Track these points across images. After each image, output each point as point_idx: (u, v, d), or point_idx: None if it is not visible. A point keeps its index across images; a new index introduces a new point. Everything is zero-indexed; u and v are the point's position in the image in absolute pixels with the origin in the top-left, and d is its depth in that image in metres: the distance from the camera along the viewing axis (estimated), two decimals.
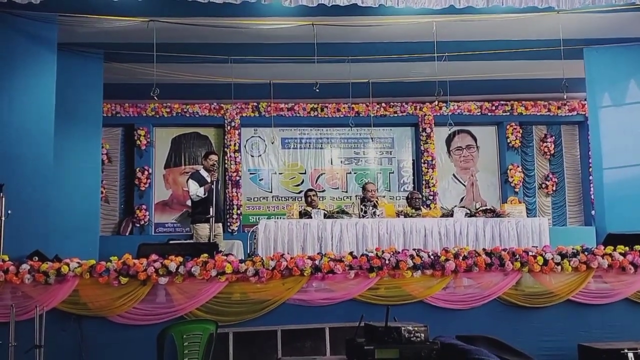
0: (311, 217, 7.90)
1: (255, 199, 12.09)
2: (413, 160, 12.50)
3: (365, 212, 8.16)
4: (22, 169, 7.53)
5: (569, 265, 5.99)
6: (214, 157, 8.30)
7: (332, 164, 12.38)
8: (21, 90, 7.81)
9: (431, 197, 11.93)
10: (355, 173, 12.36)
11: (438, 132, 12.32)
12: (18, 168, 7.46)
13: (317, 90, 8.53)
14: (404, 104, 12.21)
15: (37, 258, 5.83)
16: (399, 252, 6.01)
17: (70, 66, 8.59)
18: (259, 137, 12.28)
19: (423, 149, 12.23)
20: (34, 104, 7.90)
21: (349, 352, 4.43)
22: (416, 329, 4.17)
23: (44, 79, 8.02)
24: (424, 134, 12.26)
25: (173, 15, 7.93)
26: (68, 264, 5.58)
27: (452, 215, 8.15)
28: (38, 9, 7.22)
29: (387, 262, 5.80)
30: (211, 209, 7.74)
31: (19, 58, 7.82)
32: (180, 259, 5.67)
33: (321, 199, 11.23)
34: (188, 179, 8.28)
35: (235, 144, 11.87)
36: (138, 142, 11.74)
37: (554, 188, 12.49)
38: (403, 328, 4.15)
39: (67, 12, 7.72)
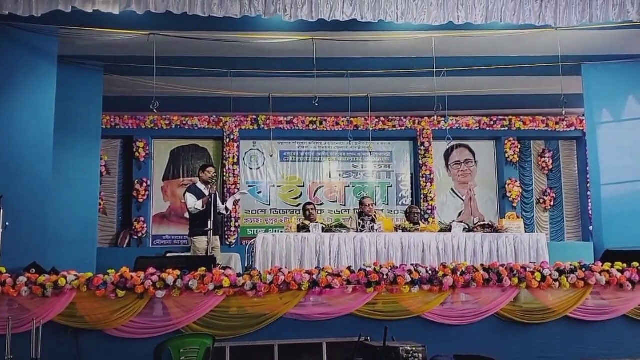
0: (309, 231, 7.89)
1: (254, 212, 12.08)
2: (411, 174, 12.50)
3: (363, 226, 8.17)
4: (20, 180, 7.52)
5: (567, 281, 6.00)
6: (212, 170, 8.32)
7: (330, 177, 12.37)
8: (21, 102, 7.82)
9: (429, 212, 11.93)
10: (353, 186, 12.35)
11: (436, 147, 12.35)
12: (16, 179, 7.46)
13: (316, 104, 8.55)
14: (402, 118, 12.24)
15: (34, 270, 5.81)
16: (396, 267, 6.02)
17: (70, 78, 8.61)
18: (258, 149, 12.29)
19: (421, 163, 12.24)
20: (33, 115, 7.91)
21: None
22: (414, 349, 4.15)
23: (44, 91, 8.02)
24: (422, 148, 12.28)
25: (173, 28, 7.94)
26: (65, 277, 5.57)
27: (450, 230, 8.14)
28: (39, 21, 7.24)
29: (385, 277, 5.80)
30: (209, 222, 7.72)
31: (19, 70, 7.84)
32: (177, 272, 5.66)
33: (319, 212, 11.21)
34: (185, 192, 8.30)
35: (234, 156, 11.88)
36: (137, 154, 11.74)
37: (552, 203, 12.50)
38: (401, 348, 4.14)
39: (67, 25, 7.71)
